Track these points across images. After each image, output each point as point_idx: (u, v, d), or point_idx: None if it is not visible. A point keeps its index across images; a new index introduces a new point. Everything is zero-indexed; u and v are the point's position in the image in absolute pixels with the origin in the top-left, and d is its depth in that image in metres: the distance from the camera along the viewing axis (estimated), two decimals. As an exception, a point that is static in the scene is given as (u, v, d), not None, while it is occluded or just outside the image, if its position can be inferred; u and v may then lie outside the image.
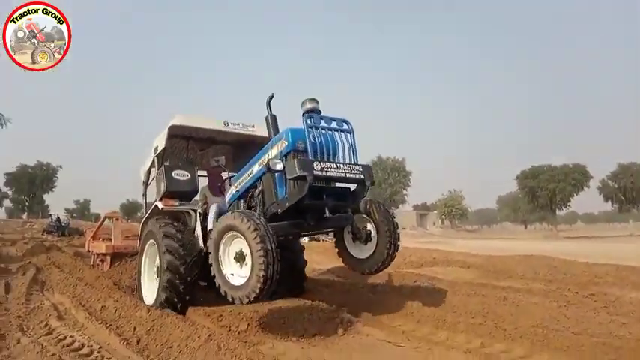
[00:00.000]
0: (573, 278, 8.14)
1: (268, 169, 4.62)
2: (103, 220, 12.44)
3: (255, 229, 4.07)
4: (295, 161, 4.33)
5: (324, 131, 4.66)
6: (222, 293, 4.45)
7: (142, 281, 6.76)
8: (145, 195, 7.82)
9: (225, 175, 6.80)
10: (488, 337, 4.65)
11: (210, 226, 5.95)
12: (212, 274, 4.59)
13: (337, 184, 4.81)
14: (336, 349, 4.59)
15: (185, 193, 6.58)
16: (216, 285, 4.54)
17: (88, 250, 11.74)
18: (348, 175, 4.55)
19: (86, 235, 12.98)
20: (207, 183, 7.15)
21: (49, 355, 4.28)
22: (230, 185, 6.24)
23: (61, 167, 73.25)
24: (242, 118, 6.77)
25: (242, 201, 5.60)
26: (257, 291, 4.03)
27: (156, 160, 6.89)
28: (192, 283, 6.03)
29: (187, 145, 7.53)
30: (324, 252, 12.40)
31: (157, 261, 6.21)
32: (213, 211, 6.08)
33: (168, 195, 6.44)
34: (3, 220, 52.81)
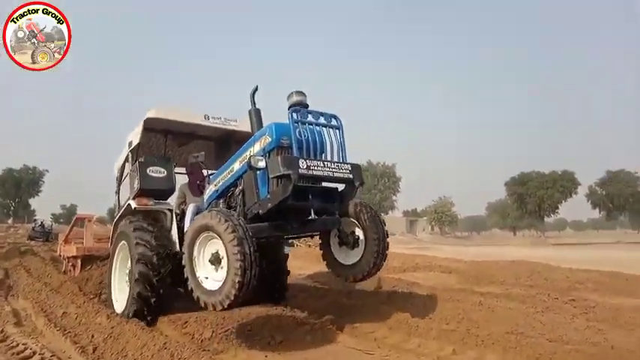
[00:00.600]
0: (554, 284, 8.00)
1: (250, 167, 4.33)
2: (75, 223, 11.85)
3: (233, 231, 3.80)
4: (279, 158, 4.07)
5: (311, 127, 4.36)
6: (195, 298, 4.19)
7: (112, 286, 6.35)
8: (118, 192, 7.31)
9: (205, 172, 6.47)
10: (461, 344, 4.47)
11: (186, 227, 5.58)
12: (184, 276, 4.31)
13: (324, 184, 4.52)
14: (300, 357, 4.38)
15: (161, 192, 6.11)
16: (189, 289, 4.27)
17: (60, 255, 11.32)
18: (335, 175, 4.25)
19: (59, 240, 12.52)
20: (187, 181, 6.75)
21: (-7, 364, 4.05)
22: (209, 184, 5.97)
23: (47, 171, 72.54)
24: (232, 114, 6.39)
25: (221, 200, 5.30)
26: (231, 297, 3.77)
27: (130, 156, 6.46)
28: (165, 295, 5.62)
29: (165, 140, 6.96)
30: (303, 256, 12.17)
31: (129, 264, 5.81)
32: (190, 211, 5.83)
33: (142, 193, 5.94)
34: (-13, 225, 51.99)
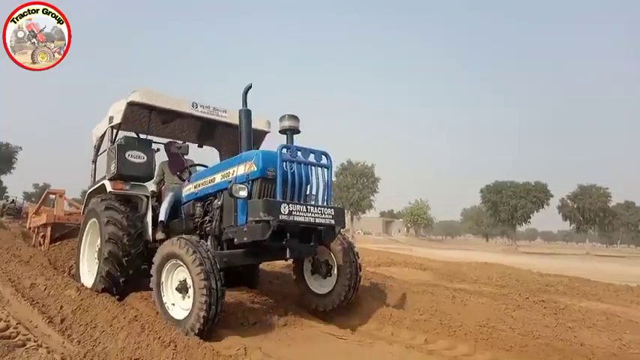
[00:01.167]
0: (525, 285, 8.15)
1: (230, 194, 4.21)
2: (47, 195, 11.53)
3: (200, 264, 3.77)
4: (260, 202, 3.99)
5: (299, 165, 4.30)
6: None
7: (80, 260, 6.22)
8: (94, 161, 7.01)
9: (186, 158, 6.30)
10: (433, 334, 4.51)
11: (161, 216, 5.64)
12: (152, 299, 4.34)
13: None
14: (274, 338, 4.35)
15: (138, 177, 5.86)
16: (156, 312, 4.28)
17: (29, 228, 11.01)
18: (317, 220, 4.18)
19: (29, 213, 12.15)
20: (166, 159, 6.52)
21: (-45, 328, 3.90)
22: (189, 174, 5.86)
23: (20, 148, 70.66)
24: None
25: (199, 204, 5.27)
26: (202, 321, 3.75)
27: (110, 131, 6.14)
28: (136, 259, 5.48)
29: (149, 115, 6.43)
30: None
31: (99, 242, 5.66)
32: (167, 200, 5.76)
33: (118, 177, 5.71)
34: (-46, 200, 50.44)
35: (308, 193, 4.42)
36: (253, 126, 5.06)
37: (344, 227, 4.51)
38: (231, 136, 6.71)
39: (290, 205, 4.02)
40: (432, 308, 5.40)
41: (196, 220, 5.24)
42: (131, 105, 5.71)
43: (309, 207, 4.14)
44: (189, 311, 3.88)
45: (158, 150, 6.42)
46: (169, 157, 6.52)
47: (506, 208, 59.55)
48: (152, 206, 5.85)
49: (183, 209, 5.64)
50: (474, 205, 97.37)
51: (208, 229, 4.96)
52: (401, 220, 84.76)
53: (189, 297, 3.95)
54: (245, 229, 4.22)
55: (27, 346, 3.55)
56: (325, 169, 4.46)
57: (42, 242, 9.64)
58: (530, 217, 60.88)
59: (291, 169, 4.22)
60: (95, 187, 6.31)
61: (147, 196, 5.90)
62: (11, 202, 30.66)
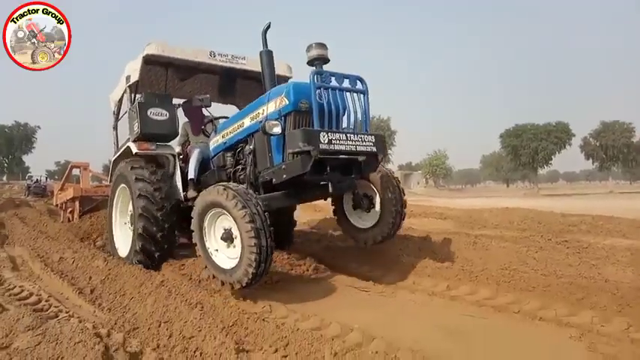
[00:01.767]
0: (548, 227, 8.06)
1: (264, 132, 4.00)
2: (70, 170, 11.49)
3: (244, 207, 3.59)
4: (298, 132, 3.75)
5: (333, 91, 4.01)
6: (212, 277, 4.13)
7: (113, 231, 6.18)
8: (115, 128, 6.88)
9: (206, 113, 6.15)
10: (455, 280, 4.52)
11: (190, 174, 5.52)
12: (197, 254, 4.16)
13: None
14: (298, 295, 4.41)
15: (163, 136, 5.71)
16: (204, 267, 4.15)
17: (56, 205, 11.11)
18: (358, 149, 3.93)
19: (54, 191, 12.33)
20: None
21: (-10, 303, 4.05)
22: (214, 127, 5.73)
23: (39, 127, 71.78)
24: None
25: (229, 154, 5.07)
26: (250, 276, 3.62)
27: (128, 92, 5.96)
28: (171, 233, 5.41)
29: (166, 73, 6.28)
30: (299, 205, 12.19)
31: (130, 207, 5.58)
32: (194, 157, 5.62)
33: (142, 137, 5.54)
34: (-19, 183, 51.83)
35: (345, 121, 4.16)
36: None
37: (386, 155, 4.29)
38: (251, 92, 6.53)
39: (329, 133, 3.79)
40: (454, 255, 5.41)
41: (228, 170, 5.07)
42: (147, 59, 5.51)
43: (348, 135, 3.91)
44: (236, 263, 3.75)
45: (179, 106, 6.28)
46: (189, 116, 6.36)
47: (527, 151, 58.84)
48: (180, 166, 5.74)
49: (213, 162, 5.47)
50: (494, 151, 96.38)
51: (242, 177, 4.78)
52: (419, 172, 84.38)
53: (234, 247, 3.83)
54: (283, 166, 4.04)
55: (59, 317, 3.67)
56: (362, 95, 4.16)
57: (71, 218, 9.71)
58: (551, 159, 60.10)
59: (326, 96, 3.96)
60: (120, 152, 6.20)
61: (174, 155, 5.77)
62: (35, 182, 31.38)
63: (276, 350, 2.84)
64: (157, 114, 5.52)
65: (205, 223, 4.07)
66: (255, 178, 4.54)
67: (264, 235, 3.59)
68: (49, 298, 4.38)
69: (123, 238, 5.98)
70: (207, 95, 5.51)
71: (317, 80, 3.92)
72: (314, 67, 4.05)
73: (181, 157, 5.98)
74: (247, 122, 4.63)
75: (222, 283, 3.96)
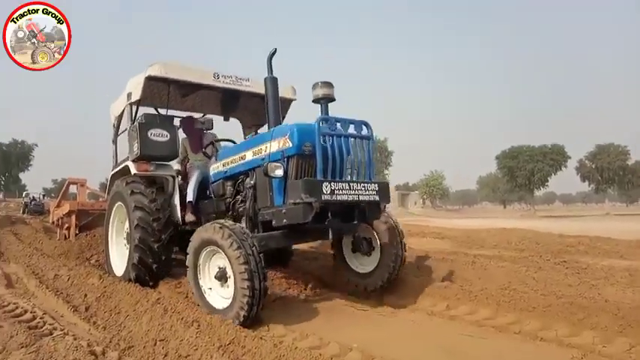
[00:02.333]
0: (546, 247, 8.04)
1: (266, 174, 3.96)
2: (67, 186, 11.31)
3: (239, 247, 3.56)
4: (301, 183, 3.69)
5: (338, 138, 3.97)
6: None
7: (110, 248, 6.07)
8: (115, 142, 6.73)
9: (207, 134, 6.12)
10: (454, 300, 4.48)
11: (189, 197, 5.46)
12: (191, 292, 4.15)
13: None
14: (296, 313, 4.37)
15: (163, 157, 5.61)
16: (197, 305, 4.08)
17: (53, 222, 10.91)
18: (361, 198, 3.88)
19: (50, 208, 12.21)
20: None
21: (-16, 321, 3.98)
22: (215, 149, 5.71)
23: (36, 145, 71.67)
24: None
25: (229, 183, 5.03)
26: (241, 319, 3.59)
27: (128, 110, 5.85)
28: (168, 245, 5.31)
29: (168, 89, 6.15)
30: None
31: (127, 225, 5.51)
32: (193, 180, 5.56)
33: (142, 157, 5.45)
34: (-23, 200, 51.54)
35: (349, 167, 4.09)
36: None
37: (389, 203, 4.22)
38: (254, 106, 6.55)
39: (332, 183, 3.74)
40: (452, 275, 5.38)
41: (227, 200, 5.03)
42: (150, 79, 5.44)
43: (351, 184, 3.86)
44: (229, 303, 3.73)
45: (180, 125, 6.23)
46: (188, 133, 6.28)
47: (523, 172, 59.05)
48: (179, 186, 5.65)
49: (212, 189, 5.42)
50: (490, 172, 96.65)
51: (241, 209, 4.73)
52: (417, 192, 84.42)
53: (228, 287, 3.80)
54: (284, 211, 3.96)
55: (53, 334, 3.61)
56: (366, 141, 4.12)
57: (67, 234, 9.49)
58: (547, 181, 60.30)
59: (331, 143, 3.90)
60: (118, 168, 6.12)
61: (173, 176, 5.68)
62: (33, 200, 31.11)
63: (274, 369, 2.80)
64: (158, 135, 5.45)
65: (200, 261, 4.06)
66: (255, 213, 4.50)
67: (257, 277, 3.57)
68: (43, 316, 4.30)
69: (119, 257, 5.88)
70: (210, 118, 5.46)
71: (323, 126, 3.90)
72: (320, 105, 4.10)
73: (180, 174, 5.91)
74: (249, 156, 4.58)
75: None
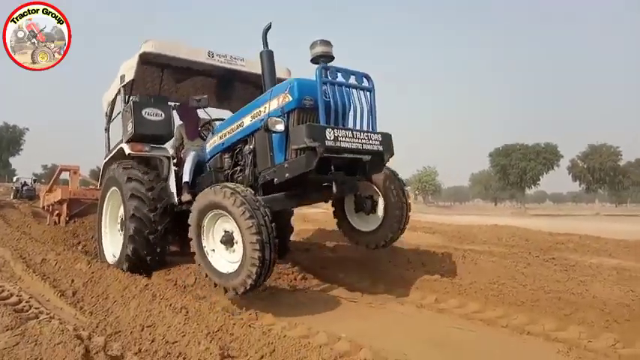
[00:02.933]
0: (535, 244, 8.09)
1: (266, 129, 3.80)
2: (59, 173, 11.06)
3: (251, 217, 3.42)
4: (304, 127, 3.58)
5: (339, 87, 3.86)
6: (214, 285, 3.98)
7: (103, 235, 5.97)
8: (107, 129, 6.65)
9: (202, 114, 5.97)
10: (443, 293, 4.51)
11: (185, 177, 5.31)
12: (196, 263, 3.99)
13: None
14: (285, 303, 4.38)
15: (157, 137, 5.50)
16: (204, 275, 3.97)
17: (43, 208, 10.76)
18: (365, 147, 3.76)
19: (41, 193, 12.03)
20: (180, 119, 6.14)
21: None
22: (211, 129, 5.56)
23: (27, 129, 70.95)
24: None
25: (227, 155, 4.85)
26: (247, 287, 3.48)
27: (122, 92, 5.75)
28: (164, 237, 5.18)
29: (161, 74, 6.06)
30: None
31: (121, 211, 5.37)
32: (189, 160, 5.42)
33: (136, 137, 5.32)
34: (-34, 184, 50.98)
35: (350, 123, 3.95)
36: None
37: (393, 155, 4.05)
38: (249, 95, 6.27)
39: (335, 129, 3.61)
40: (442, 268, 5.38)
41: (226, 172, 4.86)
42: (144, 58, 5.31)
43: (355, 132, 3.72)
44: (234, 269, 3.61)
45: (174, 109, 6.08)
46: (184, 119, 6.17)
47: (516, 171, 59.35)
48: (174, 170, 5.55)
49: (210, 165, 5.26)
50: (483, 169, 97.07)
51: (240, 178, 4.57)
52: (409, 187, 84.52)
53: (234, 251, 3.70)
54: (286, 164, 3.85)
55: (39, 318, 3.57)
56: (368, 92, 3.99)
57: (57, 221, 9.40)
58: (539, 180, 60.67)
59: (333, 92, 3.79)
60: (112, 153, 6.01)
61: (168, 157, 5.56)
62: (25, 185, 30.74)
63: (262, 357, 2.80)
64: (152, 114, 5.33)
65: (205, 222, 3.90)
66: (255, 179, 4.34)
67: (268, 248, 3.45)
68: (29, 300, 4.27)
69: (112, 245, 5.79)
70: (205, 96, 5.28)
71: (323, 75, 3.78)
72: (317, 64, 3.93)
73: (175, 161, 5.82)
74: (247, 121, 4.44)
75: (215, 285, 3.86)
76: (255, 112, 4.35)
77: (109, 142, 6.60)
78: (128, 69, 5.53)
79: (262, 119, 4.06)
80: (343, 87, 3.90)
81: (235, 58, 5.64)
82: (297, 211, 6.74)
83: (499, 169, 62.35)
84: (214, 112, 6.75)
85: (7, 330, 3.01)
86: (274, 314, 3.78)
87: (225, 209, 3.63)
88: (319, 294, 4.81)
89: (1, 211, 12.67)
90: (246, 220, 3.43)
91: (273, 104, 4.06)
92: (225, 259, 3.84)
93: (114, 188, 5.56)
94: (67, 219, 9.01)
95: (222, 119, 5.76)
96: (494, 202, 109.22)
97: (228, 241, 3.74)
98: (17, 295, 4.37)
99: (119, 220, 5.63)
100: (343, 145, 3.63)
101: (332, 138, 3.57)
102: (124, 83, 5.64)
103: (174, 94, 6.89)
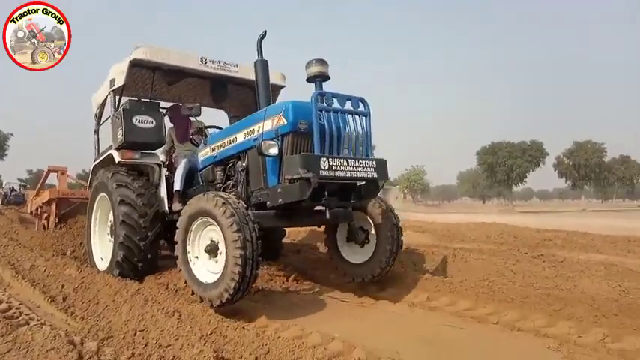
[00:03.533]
0: (523, 241, 8.21)
1: (259, 153, 3.78)
2: (47, 175, 10.88)
3: (238, 230, 3.40)
4: (298, 158, 3.54)
5: (335, 113, 3.81)
6: (192, 292, 3.95)
7: (92, 242, 5.90)
8: (97, 132, 6.54)
9: (194, 122, 5.91)
10: (434, 291, 4.54)
11: (176, 185, 5.28)
12: (178, 268, 3.98)
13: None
14: (277, 304, 4.38)
15: (148, 144, 5.43)
16: (184, 283, 3.97)
17: (31, 213, 10.58)
18: (359, 174, 3.74)
19: (29, 198, 11.81)
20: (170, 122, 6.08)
21: (-43, 310, 3.90)
22: (203, 136, 5.53)
23: (12, 135, 69.92)
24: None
25: (219, 168, 4.84)
26: (223, 300, 3.48)
27: (112, 96, 5.63)
28: (155, 242, 5.13)
29: (152, 76, 5.90)
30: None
31: (111, 217, 5.30)
32: (181, 167, 5.38)
33: (126, 145, 5.26)
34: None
35: (346, 145, 3.91)
36: None
37: (387, 180, 4.08)
38: (242, 96, 6.40)
39: (330, 159, 3.58)
40: (433, 267, 5.45)
41: (217, 185, 4.85)
42: (134, 64, 5.24)
43: (349, 160, 3.70)
44: (214, 280, 3.62)
45: (166, 112, 6.02)
46: (174, 122, 6.11)
47: (503, 168, 59.98)
48: (165, 176, 5.49)
49: (201, 175, 5.25)
50: (470, 168, 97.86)
51: (232, 194, 4.47)
52: (397, 187, 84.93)
53: (216, 262, 3.70)
54: (279, 190, 3.83)
55: (30, 324, 3.53)
56: (364, 117, 3.95)
57: (47, 225, 9.19)
58: (526, 177, 61.33)
59: (328, 119, 3.74)
60: (101, 158, 5.93)
61: (159, 165, 5.50)
62: (13, 190, 30.32)
63: (256, 358, 2.80)
64: (143, 121, 5.25)
65: (192, 227, 3.90)
66: (247, 197, 4.34)
67: (250, 265, 3.45)
68: (19, 306, 4.22)
69: (102, 251, 5.74)
70: (197, 104, 5.24)
71: (319, 102, 3.76)
72: (314, 83, 3.97)
73: (166, 165, 5.78)
74: (241, 138, 4.43)
75: (193, 292, 3.86)
76: (248, 129, 4.33)
77: (98, 145, 6.53)
78: (118, 73, 5.46)
79: (256, 139, 4.09)
80: (339, 113, 3.87)
81: (228, 64, 5.59)
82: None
83: (486, 168, 62.96)
84: (209, 112, 6.72)
85: (-1, 337, 2.98)
86: (267, 316, 3.78)
87: (215, 218, 3.62)
88: (312, 295, 4.82)
89: (-13, 217, 12.49)
90: (233, 232, 3.43)
91: (267, 125, 4.04)
92: (206, 268, 3.85)
93: (103, 194, 5.51)
94: (57, 220, 8.80)
95: (215, 126, 5.75)
96: (482, 200, 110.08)
97: (212, 250, 3.75)
98: (7, 302, 4.31)
99: (109, 227, 5.58)
100: (338, 174, 3.62)
101: (327, 168, 3.55)
102: (114, 87, 5.57)
103: (166, 94, 6.81)
